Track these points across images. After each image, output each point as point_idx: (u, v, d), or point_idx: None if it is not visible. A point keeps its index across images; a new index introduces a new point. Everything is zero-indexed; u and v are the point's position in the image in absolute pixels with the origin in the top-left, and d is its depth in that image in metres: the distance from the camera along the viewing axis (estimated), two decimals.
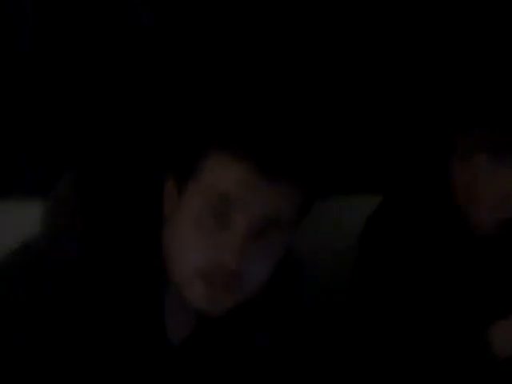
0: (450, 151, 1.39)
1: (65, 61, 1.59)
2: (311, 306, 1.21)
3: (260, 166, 0.93)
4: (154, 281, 1.03)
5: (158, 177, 1.05)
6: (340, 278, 1.47)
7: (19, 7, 1.55)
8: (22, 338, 0.98)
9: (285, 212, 0.98)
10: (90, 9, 1.58)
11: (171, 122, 1.58)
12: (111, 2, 1.58)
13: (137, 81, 1.61)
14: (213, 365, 1.08)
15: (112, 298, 1.01)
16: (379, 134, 1.77)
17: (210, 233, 0.97)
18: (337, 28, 1.70)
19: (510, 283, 1.42)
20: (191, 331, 1.07)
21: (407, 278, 1.35)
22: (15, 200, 1.44)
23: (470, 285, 1.39)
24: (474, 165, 1.34)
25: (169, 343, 1.05)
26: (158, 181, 1.05)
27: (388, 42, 1.74)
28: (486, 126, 1.32)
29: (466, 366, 1.33)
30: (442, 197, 1.39)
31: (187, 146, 1.00)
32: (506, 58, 1.43)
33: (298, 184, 0.98)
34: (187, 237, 0.98)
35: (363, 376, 1.42)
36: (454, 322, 1.37)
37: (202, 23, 1.63)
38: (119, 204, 1.04)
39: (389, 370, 1.36)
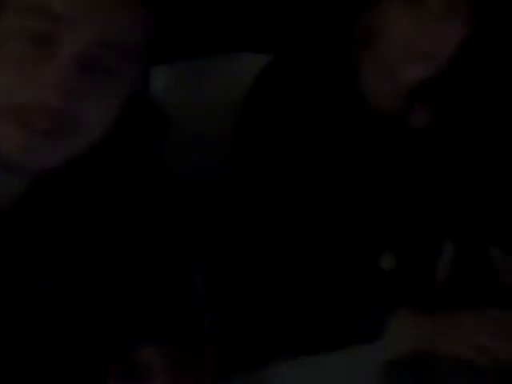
0: None
1: None
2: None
3: None
4: None
5: None
6: (222, 143, 1.36)
7: None
8: None
9: (124, 37, 0.82)
10: None
11: None
12: None
13: None
14: (43, 232, 0.92)
15: None
16: None
17: (29, 64, 0.80)
18: None
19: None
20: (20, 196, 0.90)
21: (290, 150, 1.25)
22: None
23: (360, 165, 1.29)
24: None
25: None
26: None
27: None
28: None
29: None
30: (344, 62, 1.28)
31: None
32: None
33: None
34: None
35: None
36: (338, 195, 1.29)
37: None
38: None
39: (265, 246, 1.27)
